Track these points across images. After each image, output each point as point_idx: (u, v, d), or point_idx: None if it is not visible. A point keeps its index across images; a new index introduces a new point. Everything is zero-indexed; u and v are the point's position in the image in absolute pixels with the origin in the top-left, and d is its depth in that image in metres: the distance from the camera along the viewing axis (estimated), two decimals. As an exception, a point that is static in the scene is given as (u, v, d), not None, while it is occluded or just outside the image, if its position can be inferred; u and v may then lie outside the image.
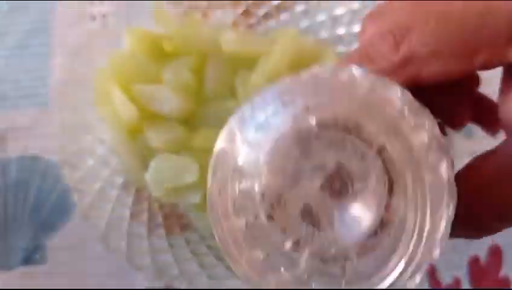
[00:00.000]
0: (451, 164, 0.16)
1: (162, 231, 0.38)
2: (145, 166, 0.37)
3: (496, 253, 0.38)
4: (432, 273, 0.38)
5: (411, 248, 0.16)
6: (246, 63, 0.37)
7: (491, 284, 0.38)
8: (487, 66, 0.17)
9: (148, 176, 0.35)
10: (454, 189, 0.15)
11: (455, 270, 0.38)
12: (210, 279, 0.35)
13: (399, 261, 0.16)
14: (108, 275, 0.38)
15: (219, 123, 0.38)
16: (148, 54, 0.38)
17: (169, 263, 0.36)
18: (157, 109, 0.37)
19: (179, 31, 0.39)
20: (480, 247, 0.38)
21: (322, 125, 0.15)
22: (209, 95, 0.38)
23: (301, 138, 0.15)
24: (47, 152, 0.41)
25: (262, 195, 0.16)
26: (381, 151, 0.15)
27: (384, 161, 0.15)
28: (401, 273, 0.16)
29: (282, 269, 0.16)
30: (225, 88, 0.38)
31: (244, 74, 0.37)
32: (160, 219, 0.38)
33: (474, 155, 0.41)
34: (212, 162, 0.16)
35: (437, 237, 0.15)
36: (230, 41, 0.38)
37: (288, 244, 0.16)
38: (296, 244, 0.16)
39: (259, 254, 0.16)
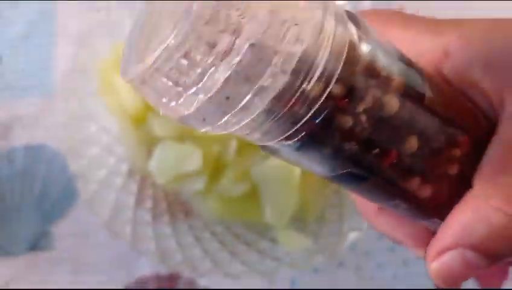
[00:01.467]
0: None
1: (166, 217, 0.38)
2: (149, 154, 0.37)
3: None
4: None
5: None
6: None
7: (491, 270, 0.38)
8: None
9: (153, 164, 0.36)
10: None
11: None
12: (213, 264, 0.36)
13: None
14: (112, 262, 0.38)
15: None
16: (152, 43, 0.39)
17: (173, 248, 0.37)
18: (160, 98, 0.37)
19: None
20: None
21: None
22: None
23: None
24: (52, 141, 0.41)
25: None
26: None
27: None
28: None
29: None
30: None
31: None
32: (164, 206, 0.39)
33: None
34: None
35: None
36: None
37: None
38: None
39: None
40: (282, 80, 0.14)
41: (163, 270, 0.38)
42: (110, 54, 0.39)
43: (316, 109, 0.15)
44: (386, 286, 0.38)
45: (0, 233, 0.40)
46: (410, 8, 0.29)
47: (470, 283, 0.37)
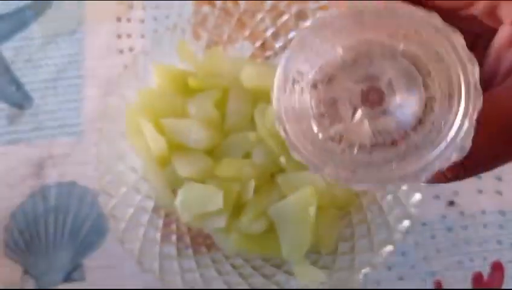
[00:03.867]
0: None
1: (190, 251, 0.41)
2: (174, 192, 0.40)
3: (497, 269, 0.41)
4: (438, 287, 0.41)
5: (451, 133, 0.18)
6: (264, 96, 0.41)
7: (494, 298, 0.41)
8: None
9: (178, 204, 0.39)
10: (481, 94, 0.18)
11: (460, 284, 0.41)
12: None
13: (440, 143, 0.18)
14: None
15: (240, 153, 0.41)
16: (175, 89, 0.41)
17: (197, 281, 0.39)
18: (183, 141, 0.40)
19: (202, 67, 0.42)
20: (483, 264, 0.41)
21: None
22: (231, 127, 0.41)
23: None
24: (83, 179, 0.44)
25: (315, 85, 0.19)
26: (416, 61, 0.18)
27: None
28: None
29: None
30: (245, 120, 0.41)
31: (262, 106, 0.40)
32: (188, 240, 0.42)
33: (479, 178, 0.43)
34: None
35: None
36: (250, 76, 0.41)
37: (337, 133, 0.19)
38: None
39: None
40: None
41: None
42: (137, 99, 0.42)
43: None
44: (396, 313, 0.40)
45: (36, 267, 0.43)
46: None
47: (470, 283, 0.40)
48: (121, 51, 0.48)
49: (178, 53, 0.42)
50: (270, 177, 0.40)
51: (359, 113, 0.19)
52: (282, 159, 0.39)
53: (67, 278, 0.42)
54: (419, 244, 0.41)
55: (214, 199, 0.38)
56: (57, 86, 0.47)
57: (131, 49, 0.48)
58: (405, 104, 0.18)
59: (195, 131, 0.40)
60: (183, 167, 0.40)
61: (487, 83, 0.21)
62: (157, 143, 0.40)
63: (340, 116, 0.19)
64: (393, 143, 0.19)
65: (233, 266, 0.41)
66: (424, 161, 0.18)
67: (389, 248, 0.37)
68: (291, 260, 0.39)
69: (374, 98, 0.19)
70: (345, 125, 0.19)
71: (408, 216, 0.37)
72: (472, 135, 0.18)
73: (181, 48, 0.42)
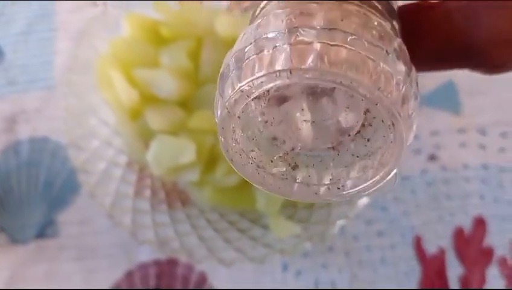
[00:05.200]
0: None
1: (164, 207, 0.40)
2: (146, 146, 0.39)
3: (480, 224, 0.40)
4: (418, 242, 0.40)
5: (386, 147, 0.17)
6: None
7: (475, 254, 0.40)
8: None
9: (149, 157, 0.38)
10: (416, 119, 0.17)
11: (440, 240, 0.40)
12: (208, 251, 0.37)
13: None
14: (114, 248, 0.41)
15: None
16: (147, 39, 0.40)
17: (170, 236, 0.38)
18: (156, 92, 0.39)
19: (175, 16, 0.41)
20: (465, 218, 0.40)
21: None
22: (205, 78, 0.39)
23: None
24: (55, 133, 0.43)
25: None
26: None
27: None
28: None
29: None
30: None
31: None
32: (162, 195, 0.41)
33: (462, 132, 0.42)
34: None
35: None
36: (225, 24, 0.39)
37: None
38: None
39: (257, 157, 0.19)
40: None
41: (163, 256, 0.40)
42: (108, 50, 0.40)
43: None
44: (374, 268, 0.40)
45: (9, 222, 0.42)
46: None
47: (454, 253, 0.39)
48: (94, 3, 0.46)
49: (152, 3, 0.41)
50: (246, 130, 0.39)
51: (303, 112, 0.18)
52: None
53: (41, 234, 0.41)
54: (398, 199, 0.40)
55: (186, 151, 0.37)
56: (28, 40, 0.46)
57: (105, 4, 0.46)
58: (344, 113, 0.18)
59: (167, 82, 0.38)
60: (155, 119, 0.38)
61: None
62: (128, 95, 0.38)
63: (285, 119, 0.18)
64: (333, 148, 0.19)
65: (209, 221, 0.40)
66: (357, 170, 0.18)
67: (365, 199, 0.36)
68: (267, 214, 0.38)
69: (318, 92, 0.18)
70: (288, 128, 0.18)
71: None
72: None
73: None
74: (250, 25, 0.19)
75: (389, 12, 0.19)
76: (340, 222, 0.36)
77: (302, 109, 0.18)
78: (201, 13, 0.41)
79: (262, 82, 0.16)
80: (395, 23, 0.19)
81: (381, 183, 0.18)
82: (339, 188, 0.18)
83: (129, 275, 0.40)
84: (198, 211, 0.40)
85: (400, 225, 0.40)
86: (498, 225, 0.40)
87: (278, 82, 0.16)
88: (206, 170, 0.38)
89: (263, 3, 0.19)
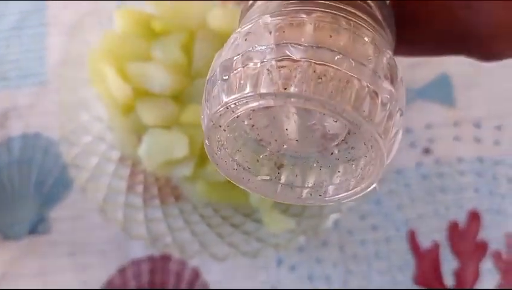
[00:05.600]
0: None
1: (156, 202, 0.40)
2: (139, 141, 0.39)
3: (474, 218, 0.40)
4: (412, 236, 0.40)
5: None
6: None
7: (469, 248, 0.40)
8: None
9: (141, 151, 0.37)
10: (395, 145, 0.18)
11: (435, 234, 0.40)
12: (201, 246, 0.37)
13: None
14: (107, 244, 0.40)
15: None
16: (139, 33, 0.40)
17: (163, 232, 0.38)
18: (148, 86, 0.38)
19: (168, 9, 0.40)
20: (459, 212, 0.40)
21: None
22: (198, 72, 0.39)
23: None
24: (47, 129, 0.43)
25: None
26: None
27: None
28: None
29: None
30: (213, 65, 0.39)
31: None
32: (155, 190, 0.41)
33: (457, 125, 0.42)
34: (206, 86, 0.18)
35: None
36: (217, 17, 0.39)
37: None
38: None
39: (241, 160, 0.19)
40: None
41: (156, 252, 0.40)
42: (100, 44, 0.40)
43: None
44: (368, 263, 0.39)
45: (1, 218, 0.41)
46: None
47: (448, 247, 0.39)
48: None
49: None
50: (239, 124, 0.39)
51: (290, 117, 0.18)
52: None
53: (33, 230, 0.41)
54: (393, 192, 0.40)
55: (179, 145, 0.37)
56: (20, 35, 0.45)
57: (97, -3, 0.46)
58: (332, 122, 0.18)
59: (160, 75, 0.38)
60: (148, 114, 0.38)
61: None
62: (120, 89, 0.38)
63: (272, 123, 0.18)
64: (318, 152, 0.19)
65: (202, 216, 0.40)
66: (340, 176, 0.19)
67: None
68: (260, 209, 0.38)
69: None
70: (275, 132, 0.19)
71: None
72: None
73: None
74: (240, 23, 0.19)
75: (385, 17, 0.19)
76: (333, 216, 0.36)
77: (289, 114, 0.18)
78: (194, 6, 0.41)
79: (247, 101, 0.16)
80: (388, 30, 0.19)
81: (360, 194, 0.18)
82: (320, 195, 0.19)
83: (122, 271, 0.40)
84: (191, 206, 0.40)
85: (394, 218, 0.40)
86: (493, 218, 0.40)
87: (263, 102, 0.16)
88: (199, 164, 0.38)
89: (250, 3, 0.19)
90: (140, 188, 0.40)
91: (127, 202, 0.39)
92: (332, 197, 0.19)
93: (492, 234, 0.40)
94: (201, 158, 0.38)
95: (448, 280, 0.39)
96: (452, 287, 0.39)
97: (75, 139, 0.39)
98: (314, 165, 0.19)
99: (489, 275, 0.39)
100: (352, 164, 0.18)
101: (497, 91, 0.42)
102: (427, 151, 0.41)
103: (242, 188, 0.36)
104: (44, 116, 0.43)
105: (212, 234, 0.38)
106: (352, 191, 0.18)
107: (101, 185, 0.39)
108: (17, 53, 0.45)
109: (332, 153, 0.19)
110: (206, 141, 0.18)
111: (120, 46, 0.39)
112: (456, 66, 0.42)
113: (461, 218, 0.40)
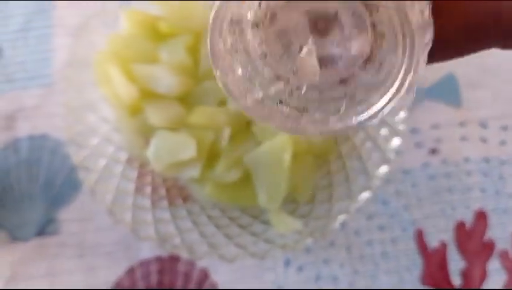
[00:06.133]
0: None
1: (165, 203, 0.40)
2: (146, 142, 0.39)
3: (481, 218, 0.40)
4: (419, 236, 0.40)
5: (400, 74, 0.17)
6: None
7: (477, 248, 0.40)
8: None
9: (149, 153, 0.37)
10: (432, 25, 0.16)
11: (442, 234, 0.40)
12: (209, 247, 0.37)
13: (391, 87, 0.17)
14: (116, 245, 0.41)
15: (214, 101, 0.40)
16: (145, 34, 0.40)
17: (171, 233, 0.38)
18: (155, 88, 0.38)
19: (174, 11, 0.40)
20: (466, 212, 0.40)
21: None
22: (204, 74, 0.39)
23: None
24: (54, 131, 0.43)
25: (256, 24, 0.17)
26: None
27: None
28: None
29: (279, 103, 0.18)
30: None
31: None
32: (163, 192, 0.41)
33: (463, 126, 0.42)
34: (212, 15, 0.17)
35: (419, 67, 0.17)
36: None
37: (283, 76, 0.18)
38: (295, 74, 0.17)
39: (258, 94, 0.18)
40: None
41: (164, 253, 0.40)
42: (106, 46, 0.40)
43: None
44: (376, 263, 0.40)
45: (10, 220, 0.42)
46: None
47: (455, 247, 0.39)
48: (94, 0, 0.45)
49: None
50: (246, 126, 0.39)
51: (308, 45, 0.17)
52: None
53: (41, 231, 0.41)
54: (400, 192, 0.40)
55: (187, 147, 0.37)
56: (27, 37, 0.45)
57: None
58: (353, 39, 0.17)
59: (166, 77, 0.38)
60: (155, 115, 0.38)
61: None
62: (127, 91, 0.38)
63: (287, 52, 0.17)
64: (342, 82, 0.18)
65: (209, 217, 0.40)
66: (374, 101, 0.17)
67: (367, 194, 0.36)
68: (268, 210, 0.38)
69: (321, 27, 0.17)
70: (291, 63, 0.17)
71: (386, 161, 0.36)
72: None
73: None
74: None
75: None
76: (341, 217, 0.36)
77: (306, 41, 0.17)
78: (200, 7, 0.41)
79: None
80: None
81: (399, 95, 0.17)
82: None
83: (131, 272, 0.40)
84: (199, 208, 0.40)
85: (401, 219, 0.40)
86: (499, 218, 0.40)
87: None
88: (206, 166, 0.38)
89: None
90: (148, 190, 0.40)
91: (135, 203, 0.39)
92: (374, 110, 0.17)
93: (499, 233, 0.40)
94: (209, 160, 0.38)
95: (456, 280, 0.39)
96: (460, 287, 0.39)
97: (82, 141, 0.39)
98: (343, 102, 0.18)
99: (496, 275, 0.39)
100: (383, 85, 0.17)
101: (503, 91, 0.42)
102: (433, 151, 0.41)
103: (251, 188, 0.36)
104: (51, 117, 0.43)
105: (220, 235, 0.38)
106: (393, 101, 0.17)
107: (110, 187, 0.39)
108: (23, 55, 0.45)
109: (359, 81, 0.17)
110: (216, 70, 0.18)
111: (126, 47, 0.40)
112: (463, 66, 0.42)
113: (468, 218, 0.40)
